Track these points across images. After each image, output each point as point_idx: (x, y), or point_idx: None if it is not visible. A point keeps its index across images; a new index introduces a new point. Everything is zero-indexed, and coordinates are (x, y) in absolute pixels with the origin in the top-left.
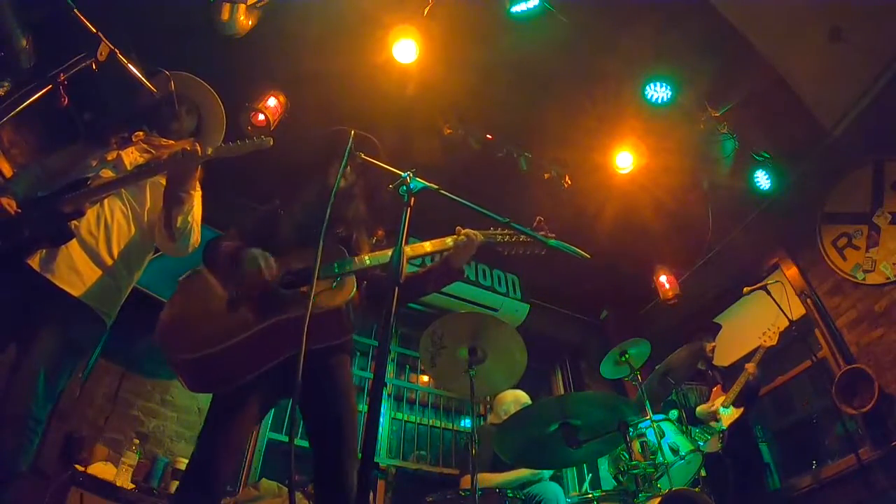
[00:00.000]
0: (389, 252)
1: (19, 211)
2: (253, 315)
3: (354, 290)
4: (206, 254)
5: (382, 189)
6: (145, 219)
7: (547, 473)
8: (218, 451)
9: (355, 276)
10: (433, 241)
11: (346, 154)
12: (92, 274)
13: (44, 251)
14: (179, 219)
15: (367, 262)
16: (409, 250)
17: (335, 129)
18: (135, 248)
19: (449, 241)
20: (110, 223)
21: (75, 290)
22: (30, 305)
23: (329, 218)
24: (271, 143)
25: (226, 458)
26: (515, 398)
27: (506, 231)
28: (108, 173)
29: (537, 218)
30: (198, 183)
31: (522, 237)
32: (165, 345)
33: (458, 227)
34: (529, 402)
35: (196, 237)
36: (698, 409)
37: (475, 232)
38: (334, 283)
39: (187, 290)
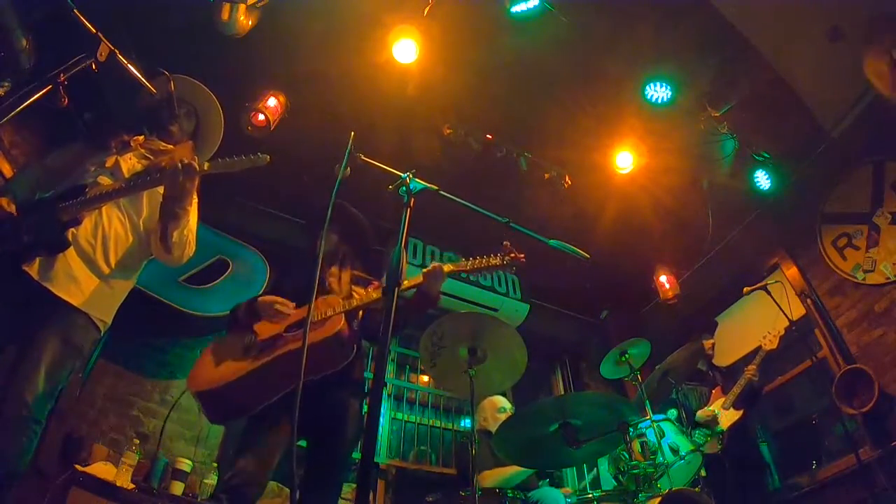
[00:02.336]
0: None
1: (16, 213)
2: (257, 355)
3: (342, 323)
4: (228, 319)
5: (372, 245)
6: (142, 228)
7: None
8: (251, 468)
9: (343, 314)
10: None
11: (347, 154)
12: (89, 282)
13: (41, 258)
14: (175, 233)
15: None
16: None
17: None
18: (132, 256)
19: (419, 276)
20: (107, 232)
21: (73, 299)
22: (29, 310)
23: (318, 279)
24: (268, 160)
25: (259, 474)
26: (492, 404)
27: (473, 260)
28: (105, 180)
29: (505, 242)
30: (195, 196)
31: (492, 260)
32: (189, 386)
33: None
34: (507, 405)
35: (191, 248)
36: (698, 414)
37: (443, 265)
38: (326, 322)
39: (213, 348)
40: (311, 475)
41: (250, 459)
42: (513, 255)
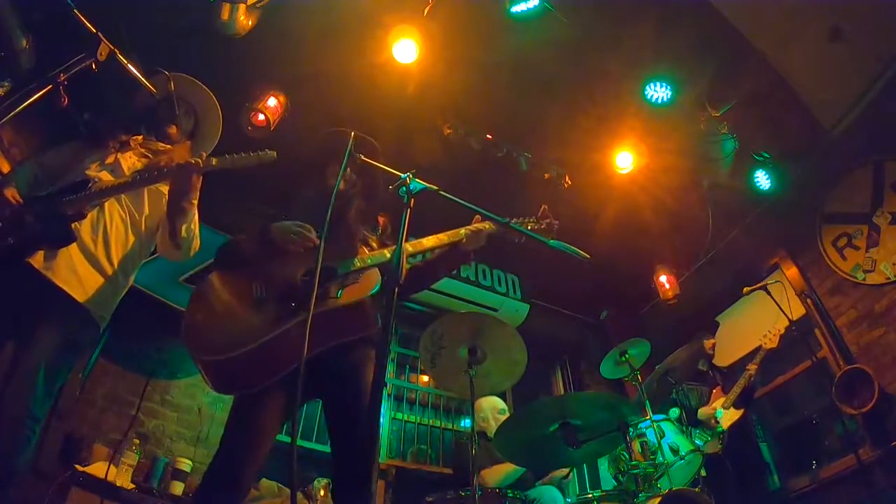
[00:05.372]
0: (387, 251)
1: (21, 204)
2: (279, 314)
3: (379, 283)
4: (221, 255)
5: (381, 184)
6: (143, 226)
7: None
8: (241, 451)
9: (378, 269)
10: (448, 233)
11: (347, 155)
12: (90, 277)
13: (44, 251)
14: (183, 228)
15: (368, 261)
16: (430, 241)
17: (333, 130)
18: (132, 254)
19: (462, 231)
20: (109, 228)
21: (73, 292)
22: (29, 303)
23: (329, 220)
24: (275, 156)
25: (249, 458)
26: (492, 405)
27: (512, 221)
28: (106, 176)
29: (542, 206)
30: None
31: (530, 225)
32: (191, 346)
33: (476, 217)
34: (504, 407)
35: (197, 242)
36: (700, 410)
37: (485, 224)
38: (360, 277)
39: (207, 291)
40: (342, 450)
41: (240, 446)
42: (549, 220)
